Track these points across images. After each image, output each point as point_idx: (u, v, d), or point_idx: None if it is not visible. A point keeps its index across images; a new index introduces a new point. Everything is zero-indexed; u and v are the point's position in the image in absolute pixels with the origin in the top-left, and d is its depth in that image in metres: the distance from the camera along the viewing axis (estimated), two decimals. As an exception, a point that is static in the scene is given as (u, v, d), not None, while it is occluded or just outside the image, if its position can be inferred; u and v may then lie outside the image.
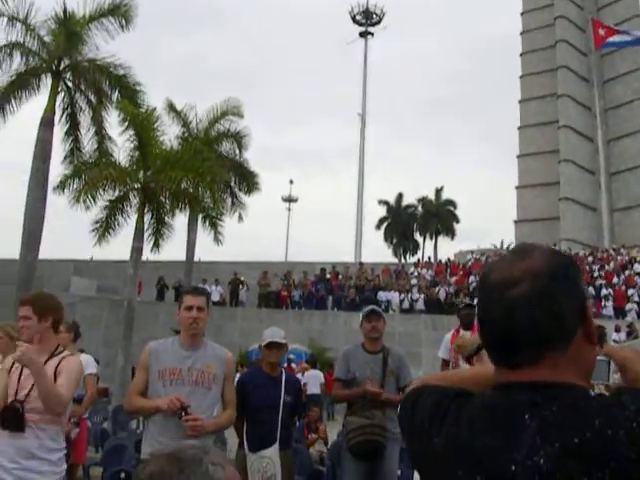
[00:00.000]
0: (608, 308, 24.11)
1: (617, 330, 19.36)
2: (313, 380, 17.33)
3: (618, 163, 50.42)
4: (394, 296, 26.72)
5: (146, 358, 4.10)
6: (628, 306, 24.56)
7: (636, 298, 24.99)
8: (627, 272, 27.62)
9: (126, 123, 18.87)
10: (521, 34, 58.40)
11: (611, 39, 34.07)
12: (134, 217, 19.26)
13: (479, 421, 1.18)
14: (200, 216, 21.84)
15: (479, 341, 1.48)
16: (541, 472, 1.07)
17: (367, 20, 54.93)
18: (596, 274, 27.25)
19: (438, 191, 57.60)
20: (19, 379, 3.62)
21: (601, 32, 34.88)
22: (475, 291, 24.96)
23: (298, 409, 5.31)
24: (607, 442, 1.05)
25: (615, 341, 17.88)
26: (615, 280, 26.67)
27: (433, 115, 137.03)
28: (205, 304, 4.14)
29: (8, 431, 3.54)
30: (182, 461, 1.15)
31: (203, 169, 19.31)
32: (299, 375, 16.06)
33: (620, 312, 24.29)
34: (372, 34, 54.74)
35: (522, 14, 58.93)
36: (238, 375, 5.59)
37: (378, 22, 55.04)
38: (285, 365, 15.68)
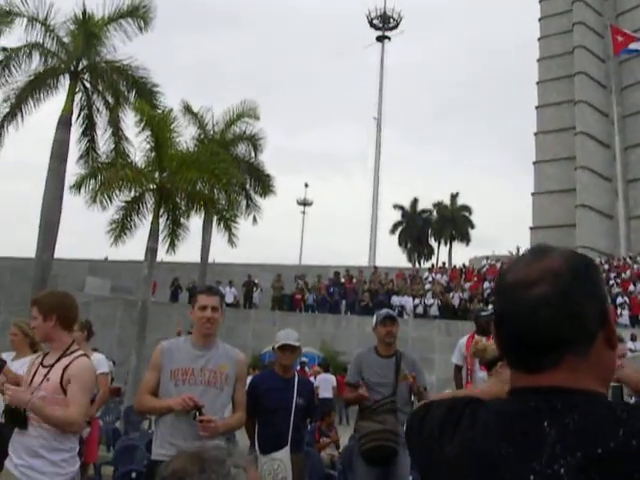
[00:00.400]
0: (624, 316, 23.91)
1: (633, 339, 19.19)
2: (325, 384, 17.25)
3: (635, 170, 49.98)
4: (408, 301, 26.65)
5: (158, 357, 4.05)
6: (644, 315, 24.36)
7: (652, 307, 24.77)
8: (643, 280, 27.40)
9: (142, 124, 18.94)
10: (539, 40, 58.10)
11: (631, 46, 33.88)
12: (149, 218, 19.34)
13: (495, 427, 1.14)
14: (215, 218, 21.85)
15: None
16: None
17: (384, 24, 55.11)
18: (612, 282, 27.04)
19: (453, 196, 57.36)
20: (32, 378, 3.64)
21: (620, 39, 34.73)
22: (490, 297, 24.84)
23: (311, 412, 5.28)
24: (632, 453, 1.01)
25: (631, 350, 17.71)
26: (631, 288, 26.48)
27: (448, 120, 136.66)
28: (219, 304, 4.11)
29: (16, 428, 3.56)
30: (205, 461, 1.14)
31: (219, 171, 19.36)
32: (311, 378, 16.01)
33: (636, 321, 24.11)
34: (389, 38, 54.92)
35: (540, 20, 58.66)
36: (250, 377, 5.56)
37: (395, 26, 55.24)
38: (298, 368, 15.66)
